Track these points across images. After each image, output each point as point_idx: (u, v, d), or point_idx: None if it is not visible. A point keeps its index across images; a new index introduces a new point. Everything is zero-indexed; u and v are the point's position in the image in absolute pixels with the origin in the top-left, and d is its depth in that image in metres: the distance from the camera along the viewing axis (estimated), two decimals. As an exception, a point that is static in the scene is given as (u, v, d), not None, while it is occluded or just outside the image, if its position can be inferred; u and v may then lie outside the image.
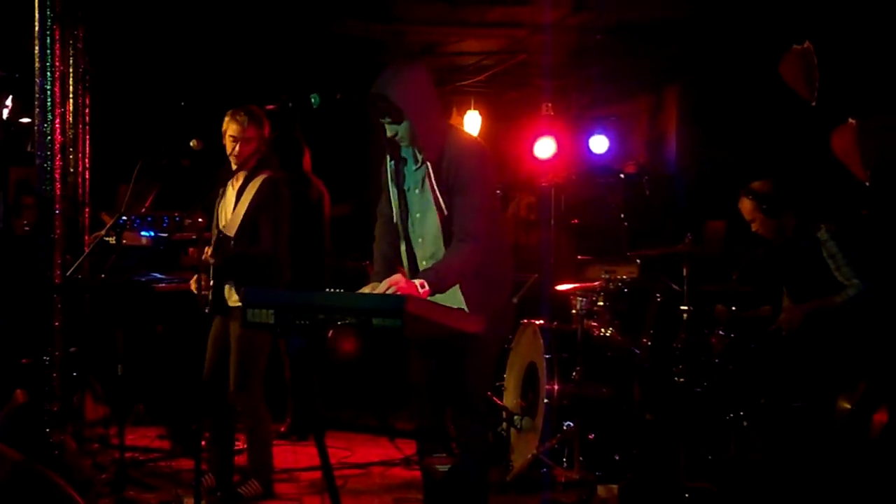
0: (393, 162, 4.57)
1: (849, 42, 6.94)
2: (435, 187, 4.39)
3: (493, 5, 7.81)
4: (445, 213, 4.40)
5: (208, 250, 5.55)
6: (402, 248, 4.61)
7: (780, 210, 6.26)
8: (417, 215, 4.50)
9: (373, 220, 4.81)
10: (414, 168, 4.48)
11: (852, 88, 6.99)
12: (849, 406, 5.82)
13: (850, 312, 5.99)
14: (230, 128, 5.73)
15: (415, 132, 4.36)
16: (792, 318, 6.14)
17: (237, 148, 5.70)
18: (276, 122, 5.36)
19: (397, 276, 4.29)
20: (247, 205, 5.71)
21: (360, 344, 3.75)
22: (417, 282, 4.20)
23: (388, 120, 4.35)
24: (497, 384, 6.74)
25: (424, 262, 4.50)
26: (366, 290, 4.29)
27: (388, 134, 4.41)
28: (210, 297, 5.68)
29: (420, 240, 4.52)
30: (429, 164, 4.40)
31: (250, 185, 5.73)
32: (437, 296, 4.23)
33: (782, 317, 6.23)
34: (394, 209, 4.62)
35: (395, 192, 4.58)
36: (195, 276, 5.62)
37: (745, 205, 6.35)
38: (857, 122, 6.94)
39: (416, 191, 4.48)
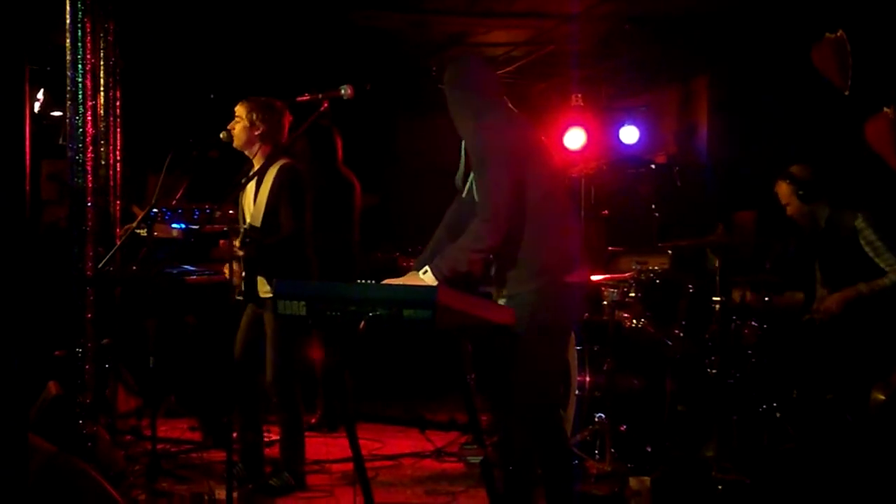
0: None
1: (883, 30, 6.87)
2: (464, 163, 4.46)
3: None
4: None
5: (236, 242, 5.55)
6: None
7: (816, 197, 6.25)
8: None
9: (403, 212, 4.81)
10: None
11: (887, 77, 6.92)
12: (883, 397, 5.78)
13: (884, 303, 5.95)
14: (237, 109, 5.78)
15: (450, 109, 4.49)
16: (831, 306, 6.10)
17: (235, 127, 5.74)
18: (307, 114, 5.35)
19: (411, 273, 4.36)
20: (266, 194, 5.72)
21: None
22: (421, 272, 4.22)
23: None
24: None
25: None
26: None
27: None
28: (242, 286, 5.71)
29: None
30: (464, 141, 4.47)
31: (267, 174, 5.74)
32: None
33: (820, 306, 6.19)
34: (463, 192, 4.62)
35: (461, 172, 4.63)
36: (227, 264, 5.64)
37: (782, 188, 6.34)
38: (893, 111, 6.87)
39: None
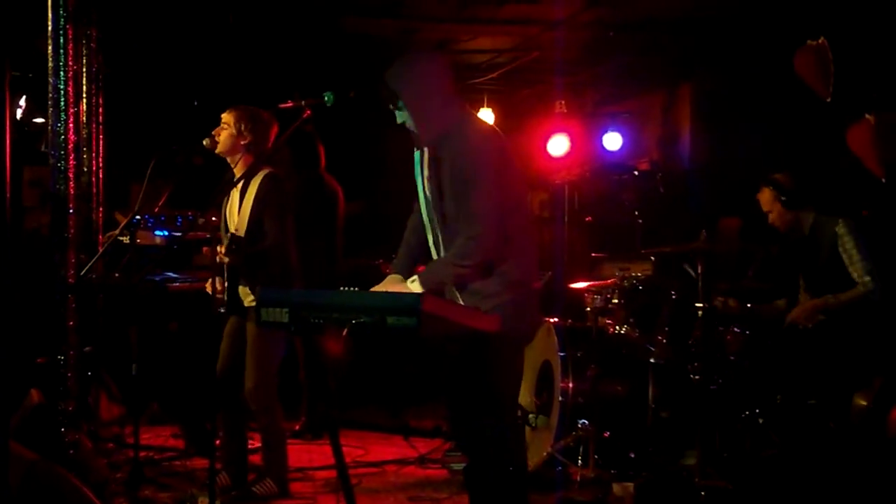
0: (419, 153, 4.53)
1: (865, 37, 6.91)
2: (426, 176, 4.40)
3: (504, 3, 7.81)
4: (436, 201, 4.37)
5: (221, 249, 5.53)
6: (430, 240, 4.56)
7: (799, 204, 6.27)
8: (432, 203, 4.47)
9: (387, 219, 4.81)
10: (422, 157, 4.47)
11: (869, 84, 6.96)
12: (865, 403, 5.80)
13: (865, 309, 5.98)
14: (225, 116, 5.77)
15: (411, 117, 4.36)
16: (802, 314, 6.13)
17: (221, 133, 5.72)
18: (290, 121, 5.34)
19: (396, 279, 4.40)
20: (251, 203, 5.71)
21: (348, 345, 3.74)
22: (409, 281, 4.25)
23: (392, 107, 4.38)
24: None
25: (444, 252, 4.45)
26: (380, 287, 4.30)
27: (398, 121, 4.43)
28: (225, 297, 5.68)
29: (438, 226, 4.45)
30: (425, 150, 4.40)
31: (251, 183, 5.73)
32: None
33: (794, 312, 6.22)
34: (420, 201, 4.56)
35: (421, 182, 4.53)
36: (210, 279, 5.61)
37: (765, 195, 6.37)
38: (875, 117, 6.91)
39: (424, 179, 4.46)
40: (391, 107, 4.39)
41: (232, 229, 5.77)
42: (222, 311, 5.71)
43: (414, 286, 4.24)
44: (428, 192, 4.44)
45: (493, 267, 4.32)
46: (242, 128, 5.72)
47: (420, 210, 4.59)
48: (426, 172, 4.43)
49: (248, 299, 5.70)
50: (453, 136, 4.32)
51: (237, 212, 5.78)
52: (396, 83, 4.34)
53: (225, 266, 5.59)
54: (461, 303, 4.34)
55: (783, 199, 6.28)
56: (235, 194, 5.82)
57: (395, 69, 4.37)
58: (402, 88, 4.33)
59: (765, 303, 6.61)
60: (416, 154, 4.56)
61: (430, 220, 4.49)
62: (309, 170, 7.40)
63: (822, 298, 6.11)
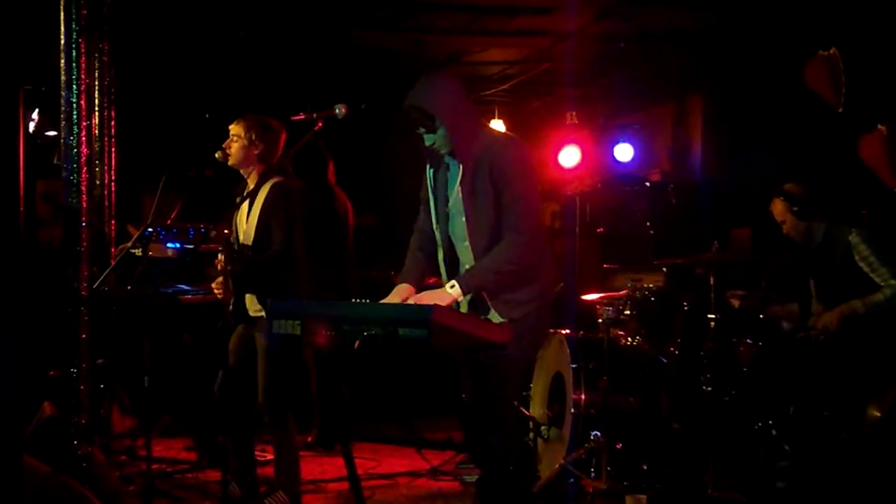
0: (433, 171, 4.64)
1: (876, 47, 6.90)
2: (462, 191, 4.45)
3: (515, 14, 7.82)
4: (471, 215, 4.45)
5: (221, 257, 5.51)
6: (440, 256, 4.63)
7: (811, 213, 6.25)
8: (463, 219, 4.52)
9: (399, 231, 4.82)
10: (456, 172, 4.52)
11: (881, 94, 6.94)
12: (879, 414, 5.77)
13: (880, 319, 5.96)
14: (234, 127, 5.76)
15: (450, 138, 4.43)
16: (828, 323, 6.09)
17: (231, 146, 5.73)
18: (302, 133, 5.35)
19: (404, 288, 4.49)
20: (258, 212, 5.70)
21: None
22: (448, 285, 4.27)
23: (423, 130, 4.42)
24: (523, 394, 6.71)
25: (468, 266, 4.52)
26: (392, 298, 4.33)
27: (426, 143, 4.47)
28: (231, 306, 5.67)
29: (463, 242, 4.54)
30: (461, 167, 4.45)
31: (260, 192, 5.72)
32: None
33: (817, 323, 6.18)
34: (433, 219, 4.65)
35: (435, 200, 4.63)
36: (217, 280, 5.61)
37: (777, 206, 6.35)
38: (887, 128, 6.89)
39: (458, 194, 4.51)
40: (422, 130, 4.43)
41: (241, 239, 5.77)
42: (231, 320, 5.70)
43: (454, 291, 4.32)
44: (458, 208, 4.51)
45: (525, 275, 4.43)
46: (253, 137, 5.72)
47: (426, 227, 4.66)
48: (459, 188, 4.50)
49: (253, 308, 5.67)
50: (491, 150, 4.44)
51: (245, 221, 5.78)
52: (432, 105, 4.39)
53: (229, 275, 5.56)
54: (493, 311, 4.41)
55: (795, 209, 6.26)
56: (245, 204, 5.81)
57: (426, 92, 4.42)
58: (440, 109, 4.40)
59: (775, 305, 6.59)
60: (429, 172, 4.61)
61: (448, 237, 4.56)
62: (318, 182, 7.40)
63: (849, 304, 6.06)
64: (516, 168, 4.42)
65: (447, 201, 4.58)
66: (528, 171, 4.49)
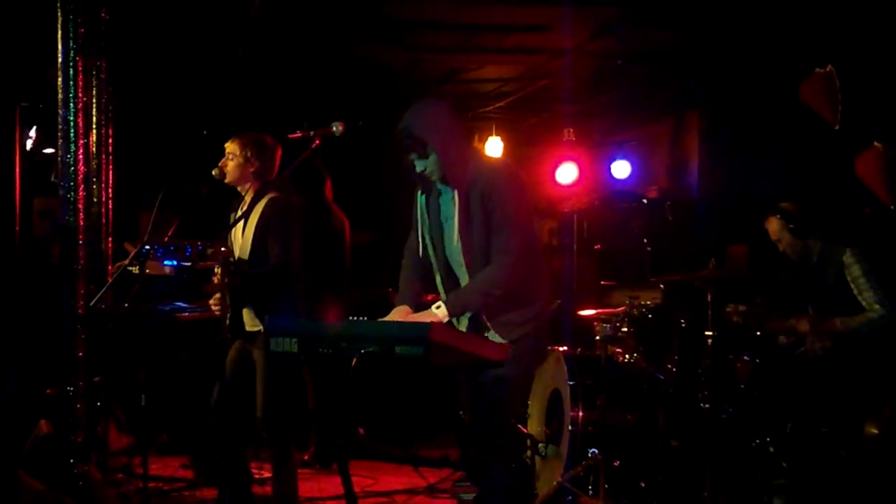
0: (424, 196, 4.66)
1: (872, 65, 6.92)
2: (458, 217, 4.46)
3: (511, 32, 7.84)
4: (467, 240, 4.46)
5: (218, 271, 5.49)
6: (438, 280, 4.67)
7: (807, 232, 6.26)
8: (456, 243, 4.53)
9: (396, 247, 4.84)
10: (449, 197, 4.53)
11: (877, 112, 6.95)
12: (876, 431, 5.77)
13: (876, 337, 5.96)
14: (229, 145, 5.76)
15: (442, 163, 4.44)
16: (816, 342, 6.10)
17: (227, 163, 5.72)
18: (299, 151, 5.35)
19: (402, 310, 4.52)
20: (253, 227, 5.68)
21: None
22: (434, 307, 4.29)
23: (415, 156, 4.44)
24: (521, 411, 6.71)
25: None
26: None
27: (418, 169, 4.49)
28: (227, 321, 5.64)
29: (461, 267, 4.56)
30: (457, 192, 4.46)
31: (255, 208, 5.71)
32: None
33: (807, 344, 6.19)
34: (427, 242, 4.68)
35: (429, 224, 4.65)
36: (214, 297, 5.60)
37: (773, 224, 6.36)
38: (883, 146, 6.90)
39: (453, 220, 4.52)
40: (413, 156, 4.46)
41: (238, 255, 5.75)
42: (229, 336, 5.67)
43: (440, 312, 4.34)
44: (453, 233, 4.53)
45: (522, 296, 4.46)
46: (249, 154, 5.71)
47: (417, 250, 4.69)
48: (452, 213, 4.52)
49: (250, 324, 5.65)
50: (482, 175, 4.46)
51: (241, 237, 5.76)
52: (424, 131, 4.41)
53: (226, 289, 5.54)
54: (493, 332, 4.42)
55: (791, 227, 6.28)
56: (241, 221, 5.80)
57: (418, 118, 4.45)
58: (433, 136, 4.42)
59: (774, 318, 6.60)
60: (421, 198, 4.63)
61: (443, 260, 4.58)
62: (315, 200, 7.40)
63: (830, 322, 6.07)
64: (507, 192, 4.44)
65: (441, 226, 4.60)
66: (519, 194, 4.50)
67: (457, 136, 4.50)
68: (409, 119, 4.44)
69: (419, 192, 4.68)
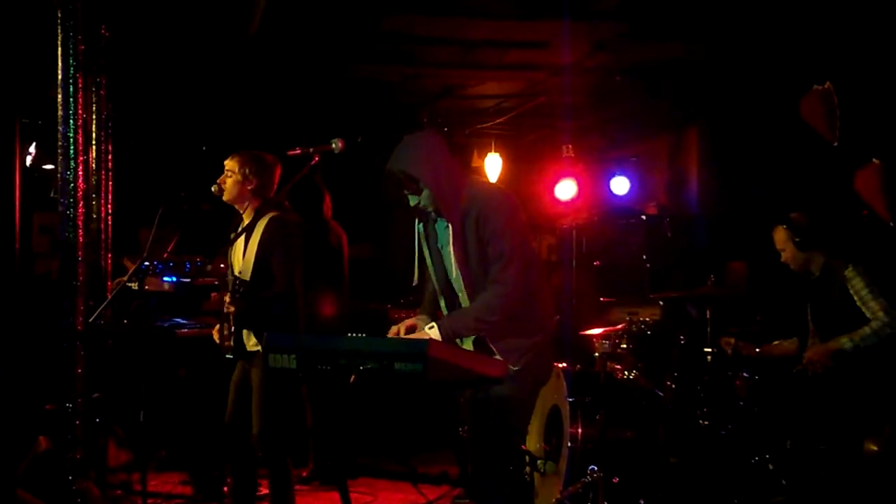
0: (422, 225, 4.68)
1: (870, 81, 6.93)
2: (453, 248, 4.48)
3: (510, 48, 7.85)
4: (466, 271, 4.49)
5: (227, 298, 5.50)
6: (442, 304, 4.71)
7: (812, 245, 6.26)
8: (455, 272, 4.54)
9: (394, 263, 4.85)
10: (444, 226, 4.54)
11: (876, 128, 6.96)
12: (875, 448, 5.76)
13: (875, 353, 5.96)
14: (228, 163, 5.75)
15: (435, 197, 4.45)
16: (815, 361, 6.10)
17: (226, 181, 5.72)
18: (298, 168, 5.36)
19: (410, 322, 4.53)
20: (255, 248, 5.67)
21: None
22: (426, 327, 4.32)
23: (408, 192, 4.46)
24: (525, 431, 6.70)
25: None
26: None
27: (412, 204, 4.51)
28: (232, 343, 5.64)
29: (461, 292, 4.59)
30: (451, 225, 4.47)
31: (256, 227, 5.70)
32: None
33: (809, 353, 6.18)
34: (430, 270, 4.70)
35: (429, 252, 4.67)
36: (217, 326, 5.60)
37: (779, 234, 6.36)
38: (882, 162, 6.91)
39: (449, 248, 4.52)
40: (407, 192, 4.47)
41: (237, 272, 5.74)
42: (230, 357, 5.68)
43: (432, 332, 4.34)
44: (451, 261, 4.54)
45: (525, 320, 4.48)
46: (247, 172, 5.71)
47: (427, 279, 4.76)
48: (448, 243, 4.53)
49: (250, 343, 5.64)
50: (476, 203, 4.46)
51: (242, 255, 5.76)
52: (415, 168, 4.41)
53: (231, 312, 5.55)
54: (497, 356, 4.43)
55: (797, 239, 6.28)
56: (241, 239, 5.80)
57: (408, 155, 4.45)
58: (424, 172, 4.42)
59: (771, 343, 6.60)
60: (419, 226, 4.64)
61: (448, 285, 4.59)
62: (313, 216, 7.41)
63: (837, 340, 6.07)
64: (500, 220, 4.44)
65: (440, 253, 4.62)
66: (513, 222, 4.50)
67: (448, 167, 4.50)
68: (399, 157, 4.44)
69: (417, 221, 4.70)
